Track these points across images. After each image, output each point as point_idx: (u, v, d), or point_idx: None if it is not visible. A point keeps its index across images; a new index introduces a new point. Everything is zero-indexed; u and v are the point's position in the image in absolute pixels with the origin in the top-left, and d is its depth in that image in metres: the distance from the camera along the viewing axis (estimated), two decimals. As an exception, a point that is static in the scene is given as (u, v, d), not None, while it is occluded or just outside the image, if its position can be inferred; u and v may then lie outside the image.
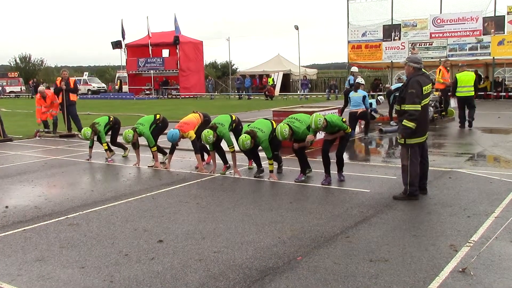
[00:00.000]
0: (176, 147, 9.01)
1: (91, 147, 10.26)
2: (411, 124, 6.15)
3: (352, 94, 12.73)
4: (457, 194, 6.57)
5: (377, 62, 29.47)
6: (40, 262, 4.56)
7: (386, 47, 28.26)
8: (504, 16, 25.07)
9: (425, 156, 6.64)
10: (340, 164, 7.59)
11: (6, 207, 6.57)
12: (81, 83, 44.24)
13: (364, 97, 12.42)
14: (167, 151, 9.35)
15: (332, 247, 4.71)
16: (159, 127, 9.48)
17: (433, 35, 26.84)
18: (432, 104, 14.57)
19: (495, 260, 4.27)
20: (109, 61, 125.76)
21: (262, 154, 8.13)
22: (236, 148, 8.08)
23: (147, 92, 40.17)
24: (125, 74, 42.79)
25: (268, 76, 40.64)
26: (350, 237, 4.98)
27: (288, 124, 7.46)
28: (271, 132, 7.75)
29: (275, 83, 39.54)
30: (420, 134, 6.31)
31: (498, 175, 7.63)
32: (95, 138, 10.20)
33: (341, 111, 14.85)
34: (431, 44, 26.89)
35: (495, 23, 25.26)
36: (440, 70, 16.05)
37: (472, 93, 14.07)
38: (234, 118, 8.71)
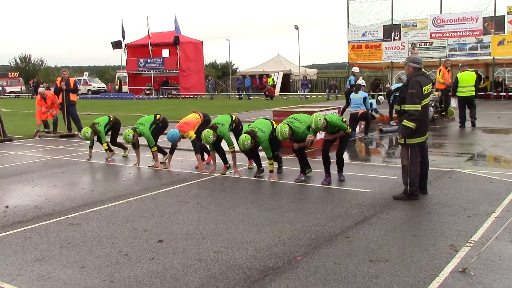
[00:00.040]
0: (176, 147, 9.01)
1: (91, 147, 10.26)
2: (411, 124, 6.15)
3: (352, 96, 12.77)
4: (457, 194, 6.57)
5: (377, 62, 29.46)
6: (40, 262, 4.56)
7: (386, 47, 28.26)
8: (504, 16, 25.06)
9: (425, 156, 6.64)
10: (340, 164, 7.59)
11: (6, 207, 6.57)
12: (81, 83, 44.26)
13: (364, 98, 12.45)
14: (167, 151, 9.35)
15: (332, 247, 4.71)
16: (159, 127, 9.48)
17: (433, 35, 26.84)
18: (432, 104, 14.58)
19: (495, 260, 4.27)
20: (109, 61, 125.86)
21: (262, 154, 8.13)
22: (236, 148, 8.08)
23: (147, 92, 40.18)
24: (125, 74, 42.79)
25: (268, 76, 40.64)
26: (350, 237, 4.98)
27: (288, 124, 7.46)
28: (271, 132, 7.75)
29: (275, 83, 39.55)
30: (420, 134, 6.31)
31: (498, 175, 7.63)
32: (95, 138, 10.20)
33: (341, 111, 14.88)
34: (431, 44, 26.88)
35: (495, 23, 25.26)
36: (440, 70, 16.06)
37: (473, 93, 14.08)
38: (234, 118, 8.71)
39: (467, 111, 14.08)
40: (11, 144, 13.23)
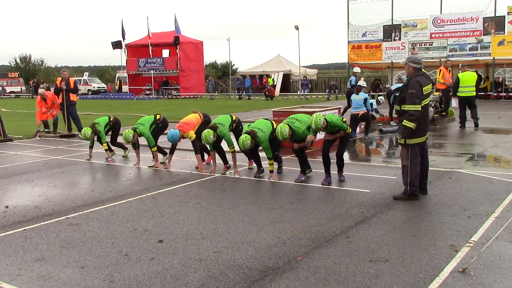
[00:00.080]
0: (176, 147, 9.01)
1: (91, 147, 10.26)
2: (411, 124, 6.15)
3: (353, 97, 12.82)
4: (457, 194, 6.57)
5: (377, 62, 29.46)
6: (40, 262, 4.56)
7: (386, 47, 28.26)
8: (504, 16, 25.07)
9: (425, 156, 6.64)
10: (340, 164, 7.59)
11: (6, 207, 6.57)
12: (81, 83, 44.27)
13: (365, 99, 12.48)
14: (167, 151, 9.36)
15: (332, 247, 4.71)
16: (159, 127, 9.48)
17: (433, 35, 26.84)
18: (432, 105, 14.58)
19: (495, 261, 4.26)
20: (109, 62, 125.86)
21: (262, 154, 8.13)
22: (236, 148, 8.08)
23: (147, 92, 40.18)
24: (125, 74, 42.79)
25: (268, 76, 40.64)
26: (350, 237, 4.98)
27: (288, 124, 7.46)
28: (271, 132, 7.75)
29: (275, 83, 39.55)
30: (420, 134, 6.31)
31: (499, 175, 7.63)
32: (95, 138, 10.20)
33: (343, 111, 14.93)
34: (431, 44, 26.89)
35: (495, 24, 25.26)
36: (440, 70, 16.07)
37: (474, 93, 14.10)
38: (234, 118, 8.72)
39: (468, 112, 14.08)
40: (11, 144, 13.23)
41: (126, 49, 40.90)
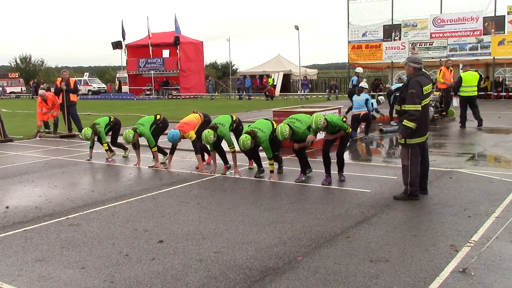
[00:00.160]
0: (176, 147, 9.01)
1: (91, 147, 10.27)
2: (411, 124, 6.15)
3: (355, 97, 12.86)
4: (457, 194, 6.57)
5: (378, 62, 29.46)
6: (41, 262, 4.57)
7: (386, 47, 28.25)
8: (504, 16, 25.05)
9: (425, 156, 6.63)
10: (340, 164, 7.59)
11: (7, 207, 6.57)
12: (82, 83, 44.28)
13: (366, 100, 12.49)
14: (168, 151, 9.36)
15: (333, 247, 4.71)
16: (159, 127, 9.48)
17: (433, 35, 26.83)
18: (433, 104, 14.58)
19: (495, 260, 4.26)
20: (109, 62, 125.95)
21: (262, 154, 8.13)
22: (237, 148, 8.08)
23: (148, 92, 40.19)
24: (125, 75, 42.81)
25: (268, 76, 40.67)
26: (351, 237, 4.98)
27: (288, 124, 7.46)
28: (272, 132, 7.75)
29: (275, 83, 39.56)
30: (420, 134, 6.31)
31: (499, 175, 7.63)
32: (96, 139, 10.20)
33: (347, 111, 14.98)
34: (432, 44, 26.88)
35: (496, 23, 25.25)
36: (441, 70, 16.07)
37: (476, 93, 14.11)
38: (234, 118, 8.72)
39: (469, 112, 14.07)
40: (12, 145, 13.23)
41: (126, 50, 40.93)
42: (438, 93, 15.59)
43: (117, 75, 46.91)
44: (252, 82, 39.33)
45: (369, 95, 13.93)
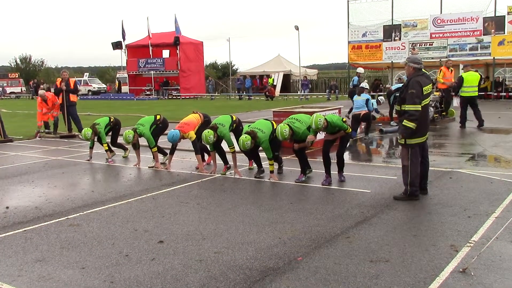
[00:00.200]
0: (176, 147, 9.01)
1: (91, 147, 10.27)
2: (411, 124, 6.15)
3: (355, 97, 12.88)
4: (457, 194, 6.57)
5: (378, 63, 29.47)
6: (41, 262, 4.57)
7: (386, 48, 28.26)
8: (504, 16, 25.07)
9: (425, 156, 6.63)
10: (340, 164, 7.59)
11: (7, 207, 6.57)
12: (82, 83, 44.30)
13: (367, 100, 12.49)
14: (168, 151, 9.36)
15: (333, 248, 4.71)
16: (159, 127, 9.48)
17: (433, 35, 26.84)
18: (433, 105, 14.58)
19: (495, 261, 4.26)
20: (109, 62, 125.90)
21: (262, 155, 8.13)
22: (237, 148, 8.08)
23: (148, 92, 40.20)
24: (125, 75, 42.83)
25: (268, 76, 40.67)
26: (351, 238, 4.98)
27: (288, 125, 7.46)
28: (272, 133, 7.75)
29: (275, 84, 39.56)
30: (420, 134, 6.31)
31: (499, 175, 7.63)
32: (96, 139, 10.20)
33: (349, 111, 15.00)
34: (432, 44, 26.89)
35: (495, 23, 25.26)
36: (441, 70, 16.07)
37: (476, 93, 14.13)
38: (234, 118, 8.72)
39: (469, 112, 14.06)
40: (12, 145, 13.23)
41: (126, 50, 40.95)
42: (438, 93, 15.59)
43: (117, 75, 46.93)
44: (252, 82, 39.34)
45: (369, 95, 13.93)
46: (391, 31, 28.13)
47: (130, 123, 13.27)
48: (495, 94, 25.85)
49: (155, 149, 9.24)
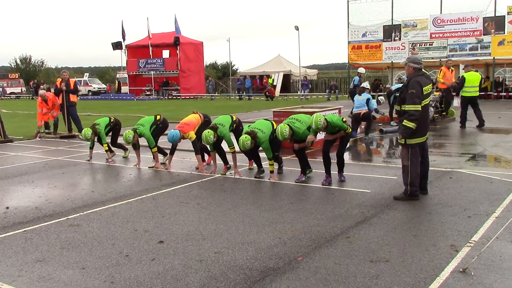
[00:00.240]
0: (176, 148, 9.01)
1: (91, 148, 10.26)
2: (411, 124, 6.15)
3: (356, 97, 12.89)
4: (457, 194, 6.57)
5: (378, 63, 29.47)
6: (41, 263, 4.56)
7: (386, 48, 28.26)
8: (504, 16, 25.07)
9: (425, 156, 6.63)
10: (340, 164, 7.59)
11: (7, 208, 6.57)
12: (82, 84, 44.30)
13: (368, 99, 12.49)
14: (168, 151, 9.36)
15: (333, 248, 4.71)
16: (159, 127, 9.49)
17: (433, 35, 26.84)
18: (433, 105, 14.58)
19: (495, 260, 4.26)
20: (109, 62, 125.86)
21: (262, 155, 8.13)
22: (237, 148, 8.08)
23: (148, 93, 40.20)
24: (125, 75, 42.85)
25: (268, 76, 40.66)
26: (351, 238, 4.98)
27: (288, 125, 7.46)
28: (272, 133, 7.75)
29: (275, 84, 39.56)
30: (420, 134, 6.31)
31: (499, 175, 7.63)
32: (96, 139, 10.20)
33: (351, 111, 14.98)
34: (432, 44, 26.89)
35: (495, 23, 25.26)
36: (441, 70, 16.07)
37: (477, 93, 14.14)
38: (234, 118, 8.72)
39: (470, 112, 14.05)
40: (12, 145, 13.23)
41: (126, 50, 40.95)
42: (438, 93, 15.58)
43: (117, 76, 46.93)
44: (252, 82, 39.32)
45: (370, 95, 13.92)
46: (391, 31, 28.13)
47: (130, 123, 13.27)
48: (495, 94, 25.85)
49: (155, 149, 9.24)
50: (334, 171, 7.54)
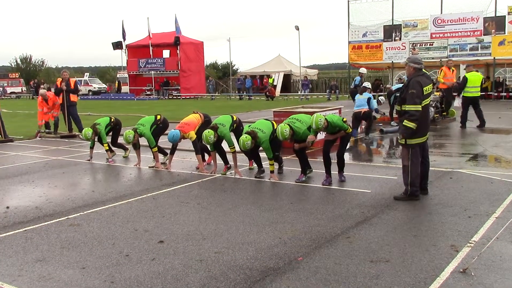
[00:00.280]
0: (177, 147, 9.01)
1: (92, 147, 10.26)
2: (411, 125, 6.15)
3: (357, 96, 12.88)
4: (458, 195, 6.57)
5: (378, 63, 29.47)
6: (41, 262, 4.57)
7: (386, 48, 28.26)
8: (504, 16, 25.07)
9: (425, 156, 6.63)
10: (341, 164, 7.58)
11: (7, 207, 6.57)
12: (82, 84, 44.31)
13: (369, 98, 12.49)
14: (168, 151, 9.36)
15: (333, 248, 4.71)
16: (159, 127, 9.49)
17: (433, 36, 26.84)
18: (433, 105, 14.57)
19: (496, 261, 4.26)
20: (110, 62, 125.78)
21: (262, 155, 8.13)
22: (237, 148, 8.08)
23: (148, 92, 40.21)
24: (125, 75, 42.86)
25: (268, 76, 40.66)
26: (351, 238, 4.98)
27: (289, 125, 7.47)
28: (272, 133, 7.75)
29: (275, 84, 39.56)
30: (420, 134, 6.31)
31: (499, 175, 7.63)
32: (96, 139, 10.20)
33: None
34: (432, 45, 26.88)
35: (496, 23, 25.26)
36: (441, 70, 16.06)
37: (479, 94, 14.13)
38: (235, 118, 8.72)
39: (471, 112, 14.05)
40: (12, 145, 13.24)
41: (126, 50, 40.95)
42: (438, 93, 15.58)
43: (118, 76, 46.93)
44: (252, 82, 39.33)
45: (371, 94, 13.92)
46: (391, 31, 28.13)
47: (131, 123, 13.27)
48: (496, 94, 25.84)
49: (156, 149, 9.24)
50: (334, 171, 7.54)
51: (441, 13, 26.77)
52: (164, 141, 10.13)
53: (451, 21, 26.26)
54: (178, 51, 38.01)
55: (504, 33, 24.99)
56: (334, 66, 76.41)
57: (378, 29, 28.46)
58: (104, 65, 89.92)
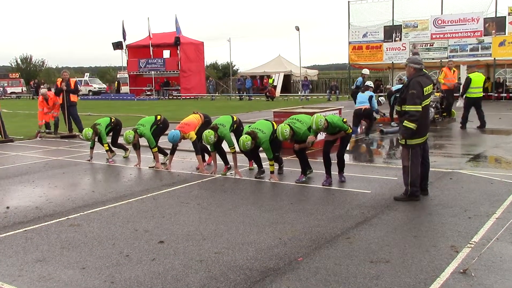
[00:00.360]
0: (177, 148, 9.01)
1: (92, 148, 10.27)
2: (411, 125, 6.15)
3: (359, 94, 12.88)
4: (458, 195, 6.57)
5: (378, 63, 29.46)
6: (41, 262, 4.57)
7: (387, 48, 28.26)
8: (505, 17, 25.05)
9: (426, 157, 6.63)
10: (341, 165, 7.59)
11: (7, 207, 6.58)
12: (82, 84, 44.32)
13: (370, 96, 12.49)
14: (168, 152, 9.36)
15: (333, 248, 4.71)
16: (159, 128, 9.49)
17: (434, 36, 26.83)
18: (433, 105, 14.57)
19: (496, 261, 4.26)
20: (110, 62, 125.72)
21: (262, 155, 8.13)
22: (237, 148, 8.08)
23: (148, 93, 40.21)
24: (125, 75, 42.87)
25: (269, 77, 40.67)
26: (351, 238, 4.98)
27: (289, 125, 7.47)
28: (272, 133, 7.75)
29: (275, 84, 39.56)
30: (420, 134, 6.31)
31: (499, 176, 7.62)
32: (96, 139, 10.20)
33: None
34: (432, 45, 26.88)
35: (496, 24, 25.25)
36: (442, 70, 16.05)
37: (481, 94, 14.12)
38: (235, 119, 8.72)
39: (472, 113, 14.04)
40: (12, 145, 13.24)
41: (127, 50, 40.95)
42: (438, 93, 15.57)
43: (118, 76, 46.94)
44: (252, 82, 39.33)
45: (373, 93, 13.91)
46: (391, 31, 28.12)
47: (131, 123, 13.27)
48: (496, 95, 25.83)
49: (156, 149, 9.25)
50: (334, 171, 7.54)
51: (442, 13, 26.76)
52: (164, 142, 10.13)
53: (452, 21, 26.26)
54: (178, 51, 38.02)
55: (505, 34, 24.98)
56: (334, 66, 76.54)
57: (379, 29, 28.45)
58: (104, 65, 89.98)
